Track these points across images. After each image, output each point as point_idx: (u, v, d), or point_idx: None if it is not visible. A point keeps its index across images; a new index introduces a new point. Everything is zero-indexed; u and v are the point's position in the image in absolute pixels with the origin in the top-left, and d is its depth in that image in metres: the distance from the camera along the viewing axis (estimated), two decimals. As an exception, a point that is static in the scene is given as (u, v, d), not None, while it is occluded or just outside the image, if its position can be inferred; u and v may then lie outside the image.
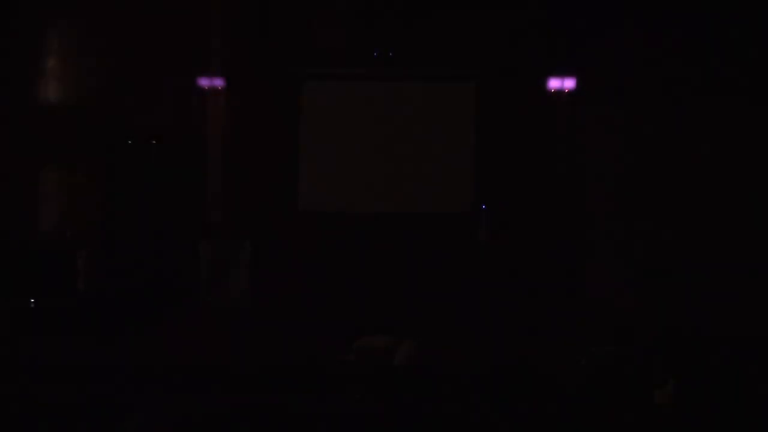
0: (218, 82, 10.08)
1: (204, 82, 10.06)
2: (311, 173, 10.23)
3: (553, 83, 9.87)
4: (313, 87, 10.27)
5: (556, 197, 10.03)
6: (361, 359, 6.08)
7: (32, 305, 8.65)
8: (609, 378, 5.20)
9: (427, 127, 10.14)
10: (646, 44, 9.81)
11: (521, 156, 10.05)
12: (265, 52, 10.17)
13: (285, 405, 4.54)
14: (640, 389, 4.81)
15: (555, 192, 10.04)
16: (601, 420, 4.46)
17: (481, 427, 4.41)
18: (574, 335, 7.64)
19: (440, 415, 4.47)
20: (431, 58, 10.11)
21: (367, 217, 10.07)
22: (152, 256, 10.04)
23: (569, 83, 9.82)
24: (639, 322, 8.26)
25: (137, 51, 10.20)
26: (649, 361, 5.57)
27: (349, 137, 10.22)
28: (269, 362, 5.85)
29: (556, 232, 9.97)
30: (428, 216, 10.05)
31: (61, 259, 9.48)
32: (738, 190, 9.64)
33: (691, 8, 9.75)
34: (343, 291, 9.54)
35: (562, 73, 9.85)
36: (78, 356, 6.26)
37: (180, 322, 8.59)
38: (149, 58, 10.19)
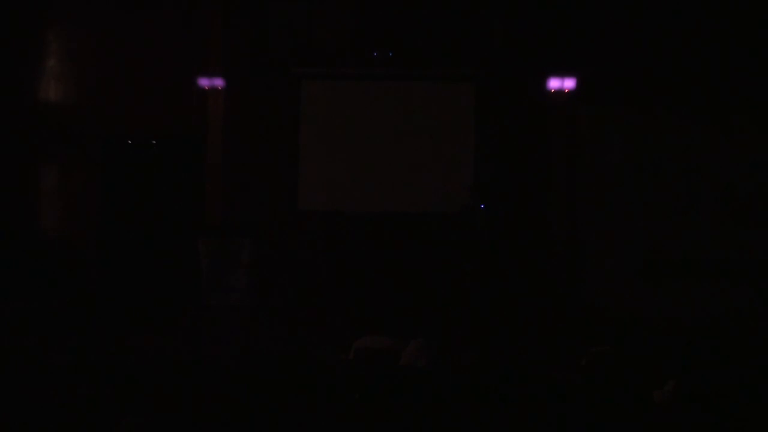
0: (218, 82, 10.08)
1: (204, 82, 10.06)
2: (311, 173, 10.23)
3: (553, 83, 9.85)
4: (313, 87, 10.27)
5: (555, 197, 10.04)
6: (360, 359, 6.08)
7: (31, 305, 8.65)
8: (608, 378, 5.20)
9: (427, 128, 10.13)
10: (646, 44, 9.81)
11: (521, 156, 10.05)
12: (265, 52, 10.18)
13: (284, 405, 4.55)
14: (639, 389, 4.81)
15: (554, 192, 10.04)
16: (600, 420, 4.46)
17: (481, 427, 4.41)
18: (573, 335, 7.64)
19: (439, 415, 4.47)
20: (431, 58, 10.11)
21: (368, 217, 10.07)
22: (152, 255, 10.05)
23: (569, 83, 9.81)
24: (638, 322, 8.26)
25: (137, 51, 10.22)
26: (648, 361, 5.57)
27: (349, 137, 10.22)
28: (269, 362, 5.84)
29: (555, 231, 9.98)
30: (428, 216, 10.04)
31: (61, 259, 9.49)
32: (738, 190, 9.66)
33: (690, 8, 9.76)
34: (343, 291, 9.54)
35: (562, 73, 9.84)
36: (77, 356, 6.26)
37: (180, 322, 8.59)
38: (149, 58, 10.21)
